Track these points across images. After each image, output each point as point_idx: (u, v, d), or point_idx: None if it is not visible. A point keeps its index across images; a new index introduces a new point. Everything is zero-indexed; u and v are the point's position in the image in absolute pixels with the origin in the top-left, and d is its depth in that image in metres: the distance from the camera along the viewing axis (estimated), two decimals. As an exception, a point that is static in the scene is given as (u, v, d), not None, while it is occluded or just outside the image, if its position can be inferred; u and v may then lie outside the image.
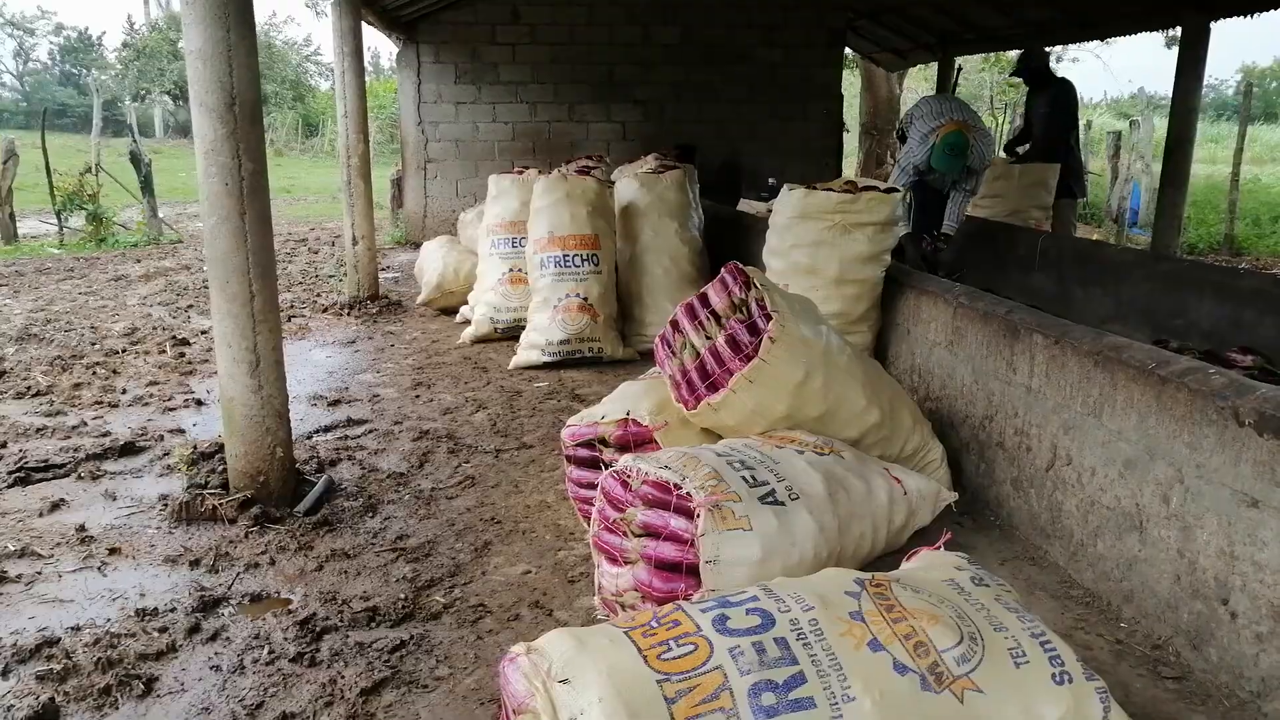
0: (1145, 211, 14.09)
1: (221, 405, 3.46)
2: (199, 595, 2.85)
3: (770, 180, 10.23)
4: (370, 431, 4.43)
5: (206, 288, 7.82)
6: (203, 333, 6.30)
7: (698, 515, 2.41)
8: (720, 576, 2.40)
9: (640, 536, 2.52)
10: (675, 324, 3.21)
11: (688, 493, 2.45)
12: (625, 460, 2.64)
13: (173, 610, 2.79)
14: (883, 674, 1.72)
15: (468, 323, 6.52)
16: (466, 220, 7.48)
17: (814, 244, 4.01)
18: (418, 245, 10.49)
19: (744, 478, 2.57)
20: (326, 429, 4.47)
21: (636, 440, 3.13)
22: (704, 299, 3.16)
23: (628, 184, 6.03)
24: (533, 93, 10.81)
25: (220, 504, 3.40)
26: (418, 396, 4.99)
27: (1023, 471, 3.20)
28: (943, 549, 2.31)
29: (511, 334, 6.10)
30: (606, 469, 3.18)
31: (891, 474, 2.98)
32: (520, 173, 6.36)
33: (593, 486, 3.19)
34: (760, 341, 2.95)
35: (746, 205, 8.75)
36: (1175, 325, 4.46)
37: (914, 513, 3.00)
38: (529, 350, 5.49)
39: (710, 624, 1.75)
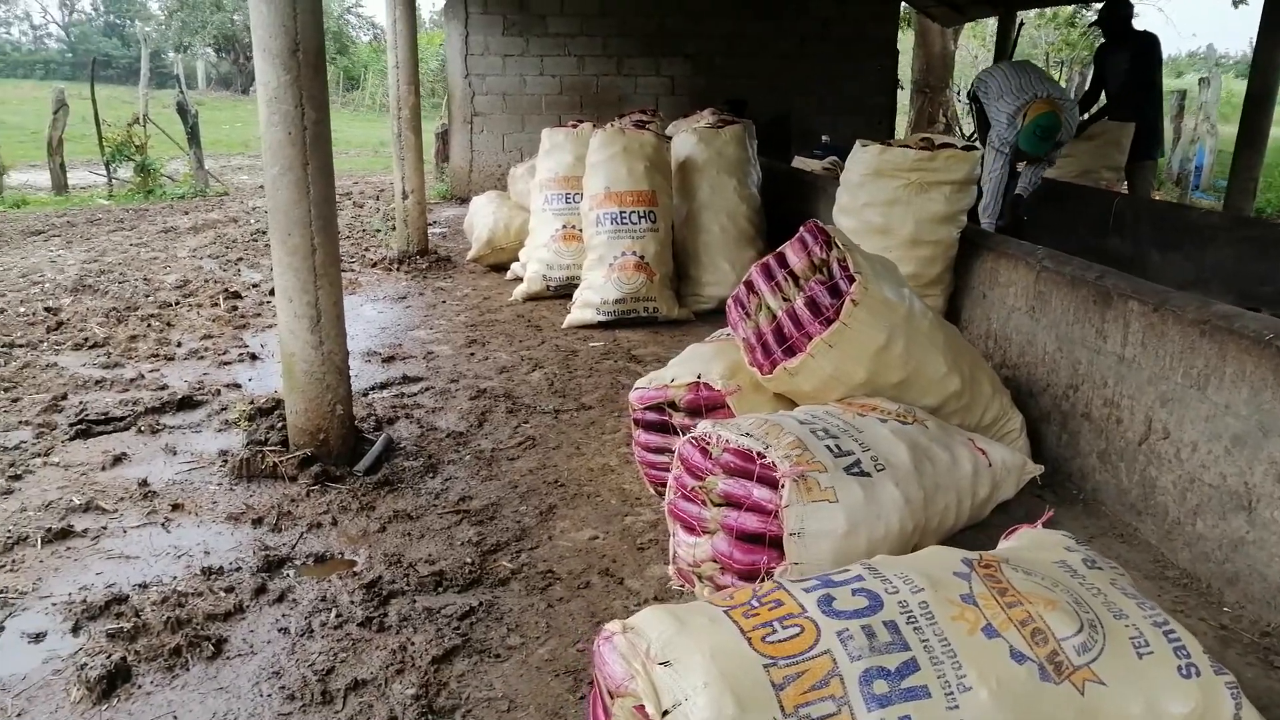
0: (1209, 174, 13.66)
1: (282, 361, 3.40)
2: (263, 555, 2.80)
3: (824, 138, 9.99)
4: (427, 389, 4.36)
5: (255, 240, 7.87)
6: (254, 286, 6.27)
7: (782, 486, 2.31)
8: (805, 549, 2.30)
9: (720, 506, 2.43)
10: (750, 285, 3.09)
11: (771, 462, 2.35)
12: (704, 426, 2.53)
13: (238, 570, 2.74)
14: (999, 662, 1.61)
15: (518, 280, 6.44)
16: (517, 175, 7.36)
17: (888, 203, 3.85)
18: (463, 200, 10.44)
19: (828, 447, 2.46)
20: (383, 386, 4.41)
21: (708, 405, 3.02)
22: (781, 259, 3.03)
23: (685, 139, 5.87)
24: (581, 45, 10.61)
25: (280, 461, 3.35)
26: (472, 354, 4.92)
27: (1111, 444, 3.06)
28: (1041, 527, 2.20)
29: (564, 292, 6.00)
30: (677, 434, 3.09)
31: (976, 445, 2.85)
32: (574, 126, 6.22)
33: (661, 451, 3.11)
34: (841, 304, 2.83)
35: (801, 163, 8.53)
36: (1263, 292, 4.26)
37: (998, 485, 2.87)
38: (583, 309, 5.39)
39: (815, 605, 1.65)
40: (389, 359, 4.82)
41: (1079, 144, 6.74)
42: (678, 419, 3.06)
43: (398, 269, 7.04)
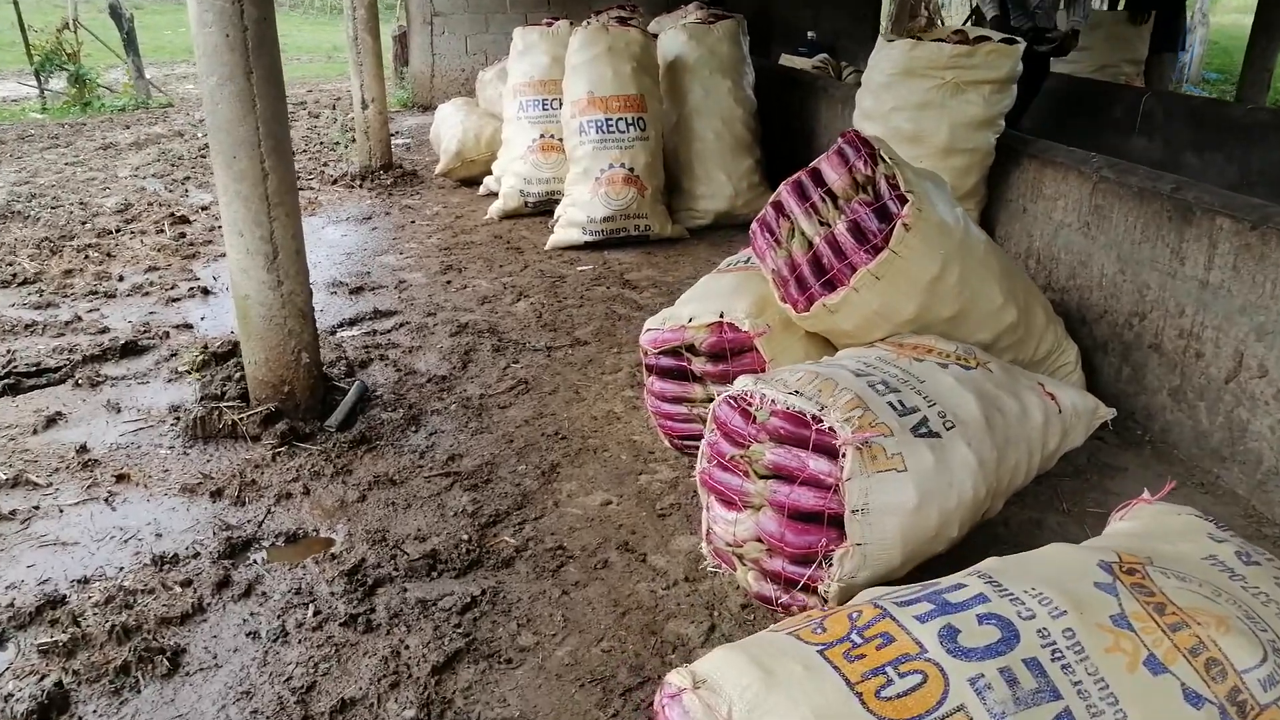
0: (1198, 67, 13.19)
1: (235, 304, 2.94)
2: (225, 537, 2.41)
3: (809, 34, 9.41)
4: (401, 325, 3.92)
5: (204, 157, 7.21)
6: (203, 209, 5.72)
7: (843, 455, 1.94)
8: (869, 529, 1.94)
9: (767, 479, 2.05)
10: (779, 206, 2.66)
11: (830, 427, 1.97)
12: (744, 383, 2.14)
13: (196, 556, 2.35)
14: (1171, 707, 1.27)
15: (493, 195, 5.94)
16: (486, 80, 6.77)
17: (920, 106, 3.40)
18: (426, 108, 9.79)
19: (891, 404, 2.08)
20: (352, 322, 3.96)
21: (733, 348, 2.62)
22: (816, 176, 2.60)
23: (674, 36, 5.32)
24: (547, -62, 9.83)
25: (241, 419, 2.93)
26: (449, 282, 4.47)
27: (1189, 380, 2.71)
28: (1162, 503, 1.84)
29: (544, 209, 5.53)
30: (697, 381, 2.70)
31: (1045, 390, 2.49)
32: (549, 24, 5.64)
33: (679, 401, 2.73)
34: (891, 229, 2.41)
35: (788, 62, 7.99)
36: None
37: (1067, 433, 2.52)
38: (568, 229, 4.93)
39: (936, 640, 1.29)
40: (357, 290, 4.36)
41: (1094, 34, 6.27)
42: (698, 365, 2.66)
43: (360, 186, 6.50)
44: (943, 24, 16.47)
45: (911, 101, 3.41)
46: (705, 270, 4.56)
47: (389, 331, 3.86)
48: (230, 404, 3.00)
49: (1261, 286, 2.42)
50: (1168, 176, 2.84)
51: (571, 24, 5.57)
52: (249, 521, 2.51)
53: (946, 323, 2.63)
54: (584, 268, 4.66)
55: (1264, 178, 4.27)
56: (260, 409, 2.96)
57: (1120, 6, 6.45)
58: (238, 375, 3.09)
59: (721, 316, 2.65)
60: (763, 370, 2.60)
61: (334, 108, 10.24)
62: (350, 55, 6.46)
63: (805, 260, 2.54)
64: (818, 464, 1.97)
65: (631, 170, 4.82)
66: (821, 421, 1.98)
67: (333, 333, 3.83)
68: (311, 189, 6.41)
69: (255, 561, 2.36)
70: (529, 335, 3.81)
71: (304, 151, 7.75)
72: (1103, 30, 6.10)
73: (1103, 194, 3.04)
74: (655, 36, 5.30)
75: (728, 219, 5.23)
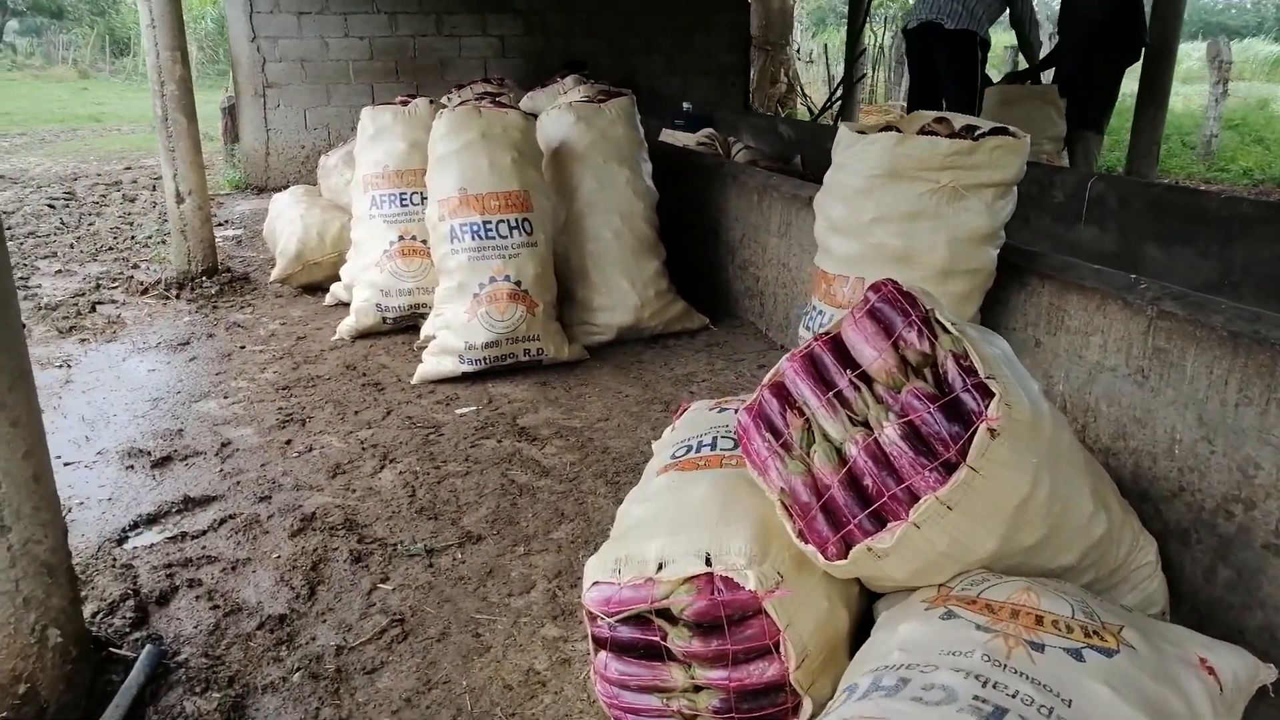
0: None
1: (-66, 566, 1.86)
2: None
3: (685, 106, 8.77)
4: (223, 521, 2.86)
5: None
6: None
7: None
8: None
9: None
10: (783, 393, 1.80)
11: None
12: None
13: None
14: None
15: (342, 306, 4.92)
16: (330, 165, 5.75)
17: (909, 216, 2.63)
18: (262, 190, 8.67)
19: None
20: (151, 520, 2.87)
21: (732, 614, 1.73)
22: (839, 350, 1.76)
23: (558, 117, 4.47)
24: (392, 0, 8.92)
25: (-54, 750, 1.84)
26: (289, 442, 3.42)
27: (1339, 604, 1.98)
28: None
29: (407, 324, 4.56)
30: (677, 662, 1.79)
31: (1202, 660, 1.69)
32: (404, 103, 4.71)
33: (649, 691, 1.80)
34: (971, 435, 1.59)
35: (669, 137, 7.29)
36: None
37: (1231, 708, 1.73)
38: (440, 357, 3.96)
39: None
40: (163, 461, 3.27)
41: (1010, 110, 5.80)
42: (678, 642, 1.75)
43: (178, 296, 5.34)
44: (802, 91, 16.41)
45: (899, 211, 2.63)
46: (617, 407, 3.69)
47: (204, 534, 2.79)
48: (-70, 721, 1.90)
49: None
50: (1268, 316, 2.14)
51: (432, 103, 4.67)
52: None
53: (1025, 552, 1.82)
54: (464, 410, 3.69)
55: (1250, 278, 3.73)
56: (-19, 727, 1.88)
57: (1050, 79, 6.04)
58: (-50, 662, 2.00)
59: (709, 563, 1.76)
60: (775, 645, 1.72)
61: (154, 188, 8.95)
62: (160, 140, 5.34)
63: (837, 481, 1.69)
64: None
65: (518, 284, 3.91)
66: None
67: (121, 541, 2.74)
68: (114, 302, 5.22)
69: None
70: (401, 528, 2.82)
71: (110, 249, 6.52)
72: (1020, 106, 5.64)
73: (1166, 334, 2.33)
74: (535, 118, 4.43)
75: (633, 333, 4.37)
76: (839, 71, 15.74)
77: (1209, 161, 11.18)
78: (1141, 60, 6.76)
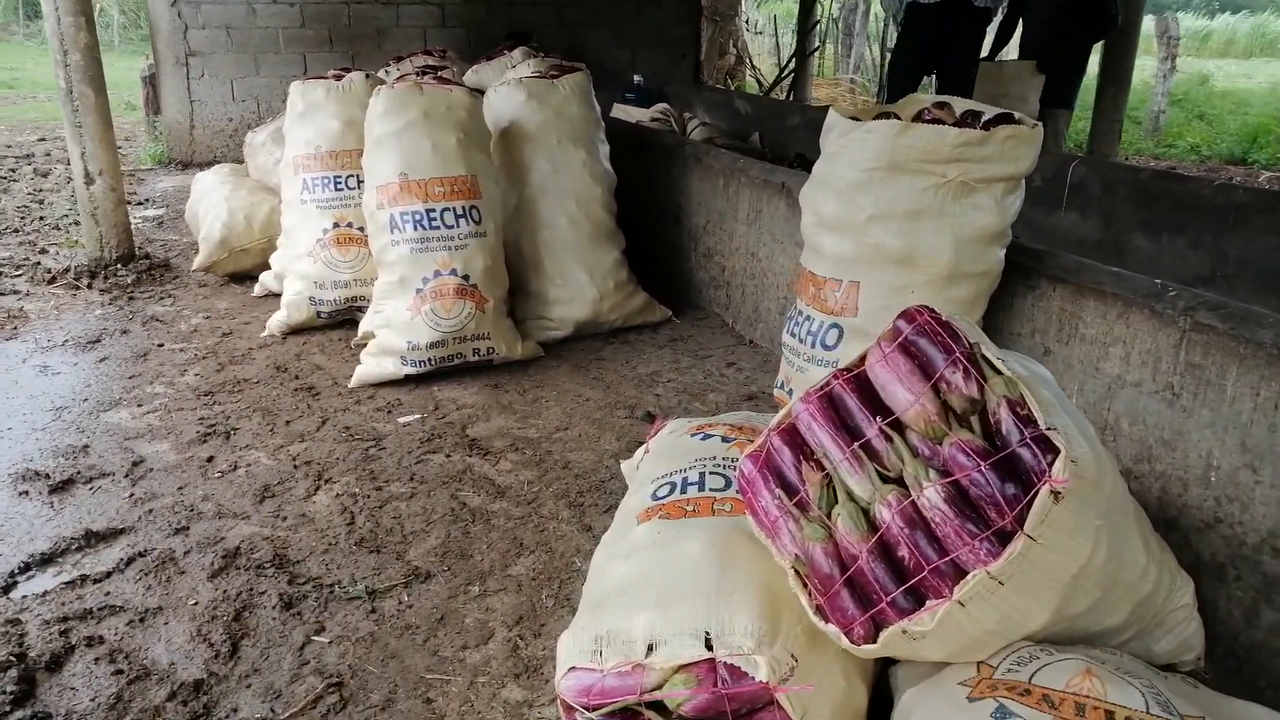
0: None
1: None
2: None
3: (636, 79, 8.42)
4: (132, 560, 2.50)
5: None
6: None
7: None
8: None
9: None
10: (796, 439, 1.51)
11: None
12: None
13: None
14: None
15: (273, 297, 4.53)
16: (257, 144, 5.31)
17: (912, 214, 2.35)
18: (185, 165, 8.14)
19: None
20: (46, 561, 2.50)
21: (738, 707, 1.44)
22: (865, 390, 1.47)
23: (508, 94, 4.10)
24: (325, -37, 8.41)
25: None
26: (210, 459, 3.05)
27: None
28: None
29: (343, 319, 4.19)
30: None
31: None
32: (338, 77, 4.30)
33: (637, 796, 1.51)
34: (1032, 498, 1.32)
35: (621, 113, 6.96)
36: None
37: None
38: (381, 358, 3.61)
39: None
40: (63, 485, 2.88)
41: (978, 87, 5.55)
42: (674, 741, 1.46)
43: (89, 285, 4.88)
44: (751, 63, 16.10)
45: (900, 208, 2.35)
46: (577, 413, 3.38)
47: (109, 577, 2.43)
48: None
49: None
50: (1324, 333, 1.91)
51: (369, 77, 4.27)
52: None
53: (1073, 619, 1.56)
54: (408, 419, 3.35)
55: (1246, 270, 3.54)
56: None
57: (1018, 55, 5.80)
58: None
59: (709, 646, 1.47)
60: (789, 742, 1.44)
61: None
62: (66, 115, 4.86)
63: (866, 550, 1.40)
64: None
65: (466, 278, 3.56)
66: None
67: (8, 589, 2.37)
68: (17, 292, 4.75)
69: None
70: (338, 565, 2.48)
71: (17, 231, 6.00)
72: (990, 83, 5.40)
73: (1202, 349, 2.09)
74: (481, 94, 4.06)
75: (591, 328, 4.06)
76: (787, 42, 15.48)
77: (1157, 138, 11.15)
78: (1104, 39, 6.59)
